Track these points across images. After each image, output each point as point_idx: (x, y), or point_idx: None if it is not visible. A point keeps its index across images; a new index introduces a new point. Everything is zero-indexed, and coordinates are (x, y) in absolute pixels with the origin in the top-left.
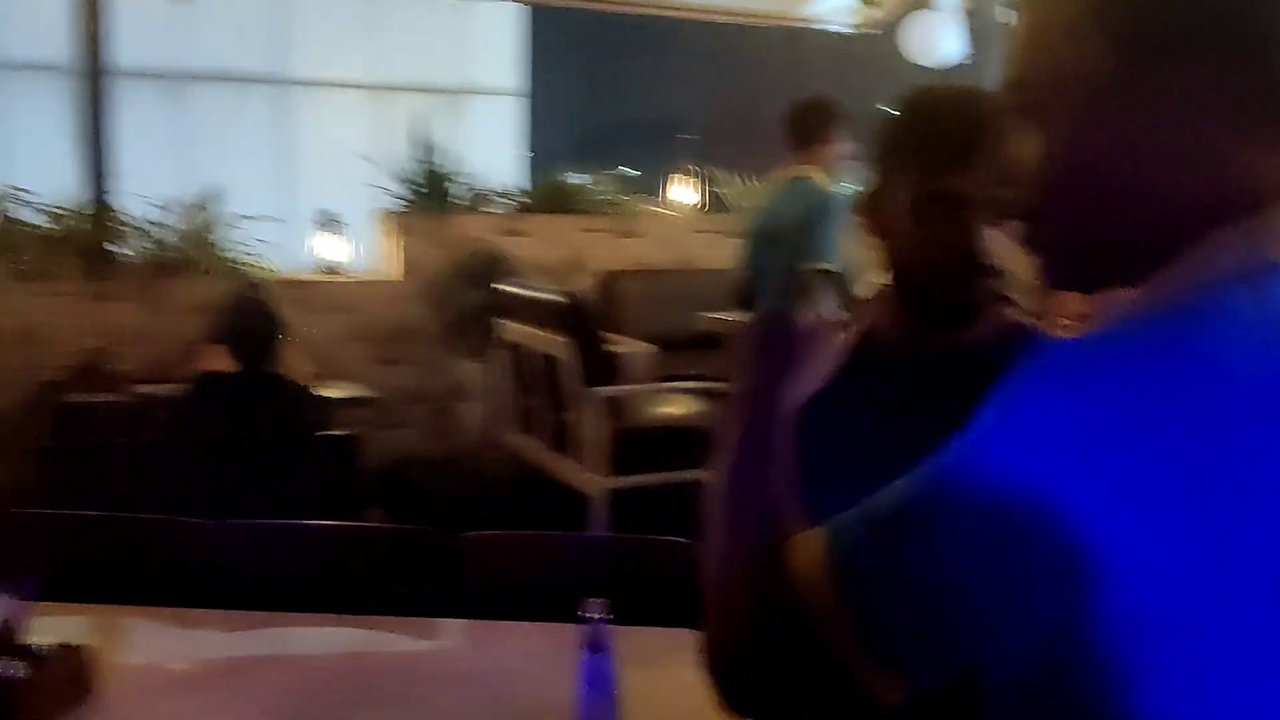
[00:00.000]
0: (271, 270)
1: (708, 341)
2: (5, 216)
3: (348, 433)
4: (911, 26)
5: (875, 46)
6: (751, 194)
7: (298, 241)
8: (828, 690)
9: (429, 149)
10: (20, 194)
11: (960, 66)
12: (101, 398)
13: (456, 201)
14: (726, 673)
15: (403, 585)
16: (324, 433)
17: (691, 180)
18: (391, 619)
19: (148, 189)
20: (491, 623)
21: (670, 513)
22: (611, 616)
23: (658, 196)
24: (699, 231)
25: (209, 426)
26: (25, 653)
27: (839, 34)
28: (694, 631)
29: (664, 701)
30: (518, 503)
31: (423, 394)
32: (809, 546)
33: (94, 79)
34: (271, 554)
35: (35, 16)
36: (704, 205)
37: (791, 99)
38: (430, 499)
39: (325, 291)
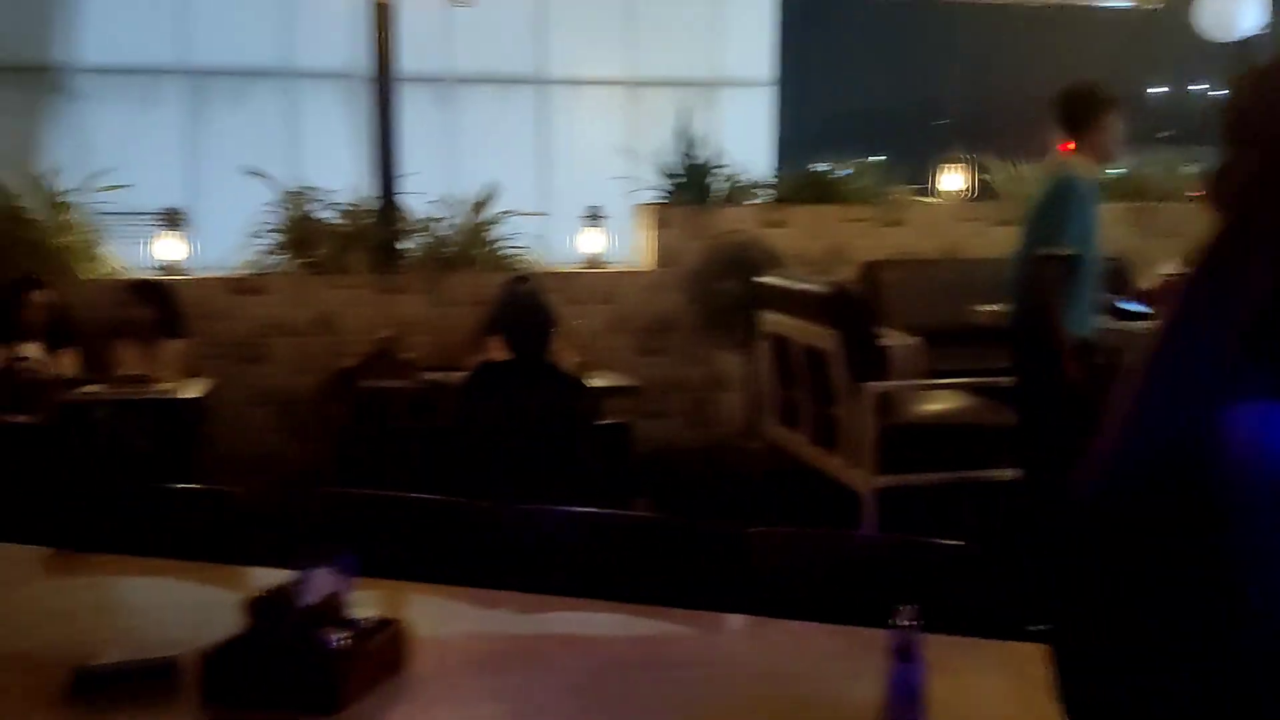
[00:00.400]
0: (538, 263)
1: (977, 334)
2: (305, 215)
3: (619, 421)
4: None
5: (1158, 22)
6: (1022, 181)
7: (558, 234)
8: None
9: (689, 141)
10: (317, 193)
11: (1256, 39)
12: (391, 383)
13: (715, 193)
14: (1096, 513)
15: (687, 576)
16: (596, 421)
17: (959, 167)
18: (677, 611)
19: (424, 187)
20: (781, 621)
21: (942, 514)
22: (922, 624)
23: (919, 184)
24: (966, 220)
25: (488, 414)
26: (350, 625)
27: (1117, 10)
28: (988, 641)
29: (970, 713)
30: (778, 496)
31: (682, 384)
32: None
33: (382, 85)
34: (561, 539)
35: (322, 30)
36: (972, 193)
37: (1065, 81)
38: (690, 489)
39: (587, 283)
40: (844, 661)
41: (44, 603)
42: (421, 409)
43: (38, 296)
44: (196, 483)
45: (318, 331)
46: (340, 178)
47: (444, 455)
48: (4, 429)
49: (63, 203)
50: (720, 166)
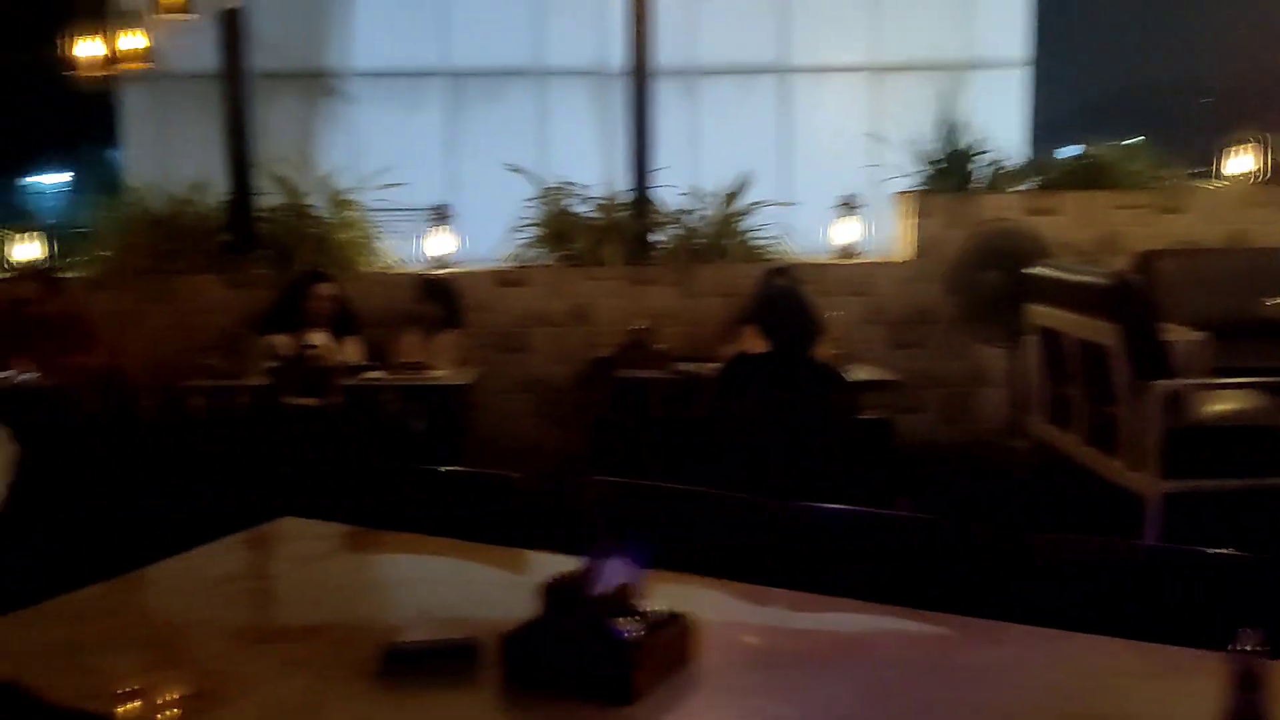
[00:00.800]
0: (789, 254)
1: (1268, 329)
2: (562, 209)
3: (880, 417)
4: None
5: None
6: None
7: (802, 224)
8: None
9: (950, 127)
10: (573, 188)
11: None
12: (646, 374)
13: (976, 180)
14: None
15: (964, 580)
16: (856, 416)
17: (1249, 148)
18: (956, 616)
19: (669, 179)
20: (1073, 633)
21: (1235, 523)
22: (1268, 650)
23: (1197, 167)
24: (1256, 205)
25: (743, 405)
26: (640, 616)
27: None
28: None
29: None
30: (1046, 498)
31: (939, 379)
32: None
33: (639, 80)
34: (834, 537)
35: (571, 29)
36: (1263, 175)
37: None
38: (950, 488)
39: (840, 274)
40: (1144, 680)
41: (347, 577)
42: (675, 399)
43: (324, 289)
44: (463, 465)
45: (574, 322)
46: (586, 172)
47: (698, 446)
48: (295, 411)
49: (344, 201)
50: (982, 152)
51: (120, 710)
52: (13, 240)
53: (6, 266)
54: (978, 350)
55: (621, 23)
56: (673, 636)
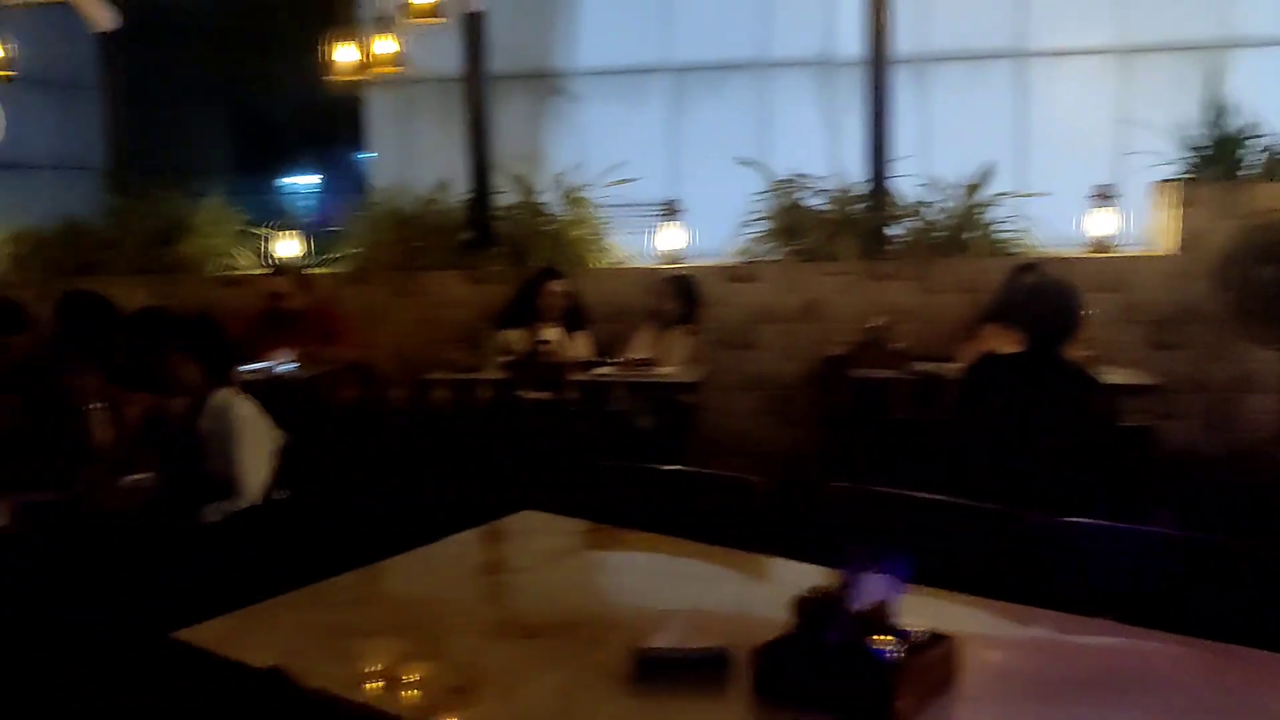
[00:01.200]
0: (1034, 247)
1: None
2: (794, 203)
3: (1138, 424)
4: None
5: None
6: None
7: (1047, 216)
8: None
9: (1218, 110)
10: (804, 181)
11: None
12: (883, 373)
13: (1247, 167)
14: None
15: (1254, 609)
16: (1112, 422)
17: None
18: (1253, 650)
19: (903, 170)
20: None
21: None
22: None
23: None
24: None
25: (991, 409)
26: (901, 635)
27: None
28: None
29: None
30: None
31: (1204, 383)
32: None
33: (877, 68)
34: (1094, 555)
35: (794, 19)
36: None
37: None
38: (1216, 501)
39: (1092, 269)
40: None
41: (591, 575)
42: (915, 400)
43: (556, 285)
44: (689, 463)
45: (805, 319)
46: (809, 164)
47: (938, 450)
48: (529, 405)
49: (575, 198)
50: (1254, 136)
51: (382, 700)
52: (274, 238)
53: (268, 263)
54: (1247, 352)
55: (846, 11)
56: (936, 658)
